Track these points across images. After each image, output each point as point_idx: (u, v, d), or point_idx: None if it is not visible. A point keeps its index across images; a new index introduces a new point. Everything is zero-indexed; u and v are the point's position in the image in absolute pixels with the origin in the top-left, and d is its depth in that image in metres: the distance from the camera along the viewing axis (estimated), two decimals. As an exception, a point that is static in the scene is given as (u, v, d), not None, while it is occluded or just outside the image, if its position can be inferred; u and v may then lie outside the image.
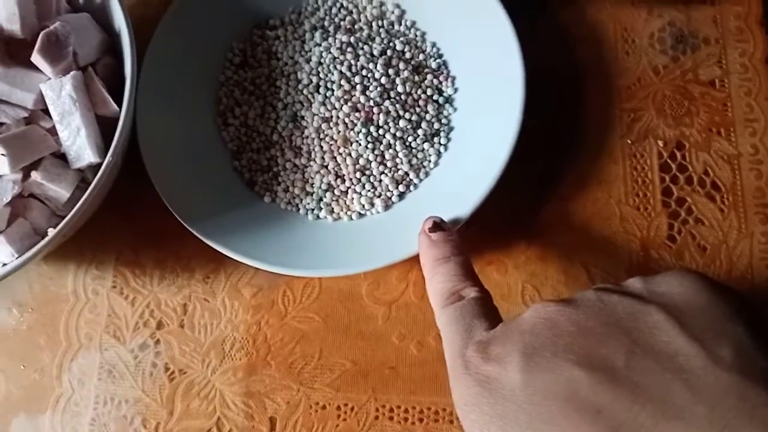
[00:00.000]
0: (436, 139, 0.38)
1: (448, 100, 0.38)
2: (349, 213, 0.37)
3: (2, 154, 0.31)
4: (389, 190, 0.37)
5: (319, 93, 0.38)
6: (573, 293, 0.25)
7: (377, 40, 0.39)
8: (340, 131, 0.37)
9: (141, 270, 0.38)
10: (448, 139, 0.38)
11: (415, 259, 0.33)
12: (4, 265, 0.32)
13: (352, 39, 0.39)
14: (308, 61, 0.39)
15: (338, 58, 0.38)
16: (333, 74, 0.38)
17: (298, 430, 0.35)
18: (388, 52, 0.38)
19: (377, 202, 0.37)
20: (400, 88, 0.37)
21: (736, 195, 0.37)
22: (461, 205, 0.34)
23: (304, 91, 0.38)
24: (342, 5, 0.41)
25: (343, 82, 0.37)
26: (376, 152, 0.37)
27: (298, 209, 0.38)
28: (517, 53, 0.35)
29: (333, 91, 0.38)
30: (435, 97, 0.38)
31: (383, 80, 0.37)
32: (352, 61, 0.38)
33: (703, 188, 0.37)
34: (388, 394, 0.35)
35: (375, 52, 0.38)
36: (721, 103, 0.39)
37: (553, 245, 0.37)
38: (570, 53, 0.40)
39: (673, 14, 0.41)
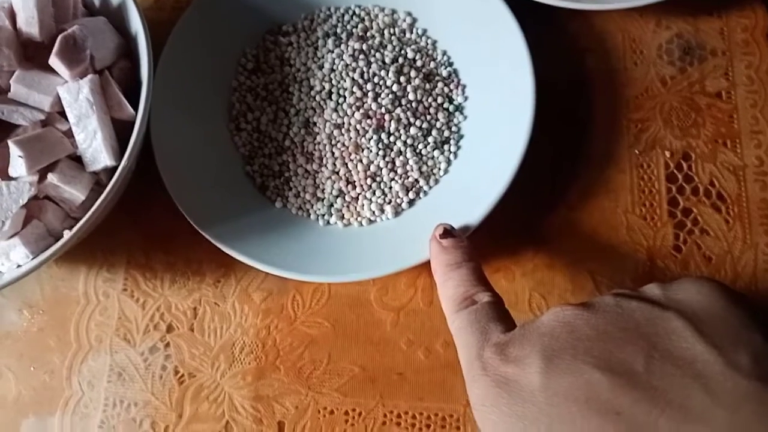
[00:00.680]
0: (446, 147, 0.38)
1: (459, 108, 0.39)
2: (359, 219, 0.37)
3: (19, 156, 0.31)
4: (399, 197, 0.37)
5: (331, 99, 0.38)
6: (579, 301, 0.25)
7: (389, 47, 0.39)
8: (351, 138, 0.38)
9: (152, 273, 0.39)
10: (458, 147, 0.38)
11: (423, 266, 0.33)
12: (19, 266, 0.32)
13: (364, 46, 0.39)
14: (321, 67, 0.39)
15: (350, 65, 0.38)
16: (345, 81, 0.38)
17: (307, 435, 0.35)
18: (400, 60, 0.39)
19: (387, 208, 0.37)
20: (411, 96, 0.38)
21: (742, 206, 0.38)
22: (470, 213, 0.34)
23: (317, 98, 0.39)
24: (354, 12, 0.41)
25: (355, 89, 0.38)
26: (386, 159, 0.37)
27: (309, 215, 0.38)
28: (528, 63, 0.36)
29: (345, 97, 0.38)
30: (445, 105, 0.39)
31: (395, 87, 0.38)
32: (364, 69, 0.38)
33: (708, 199, 0.38)
34: (395, 400, 0.35)
35: (387, 60, 0.39)
36: (728, 115, 0.39)
37: (560, 253, 0.37)
38: (578, 63, 0.41)
39: (681, 26, 0.41)
